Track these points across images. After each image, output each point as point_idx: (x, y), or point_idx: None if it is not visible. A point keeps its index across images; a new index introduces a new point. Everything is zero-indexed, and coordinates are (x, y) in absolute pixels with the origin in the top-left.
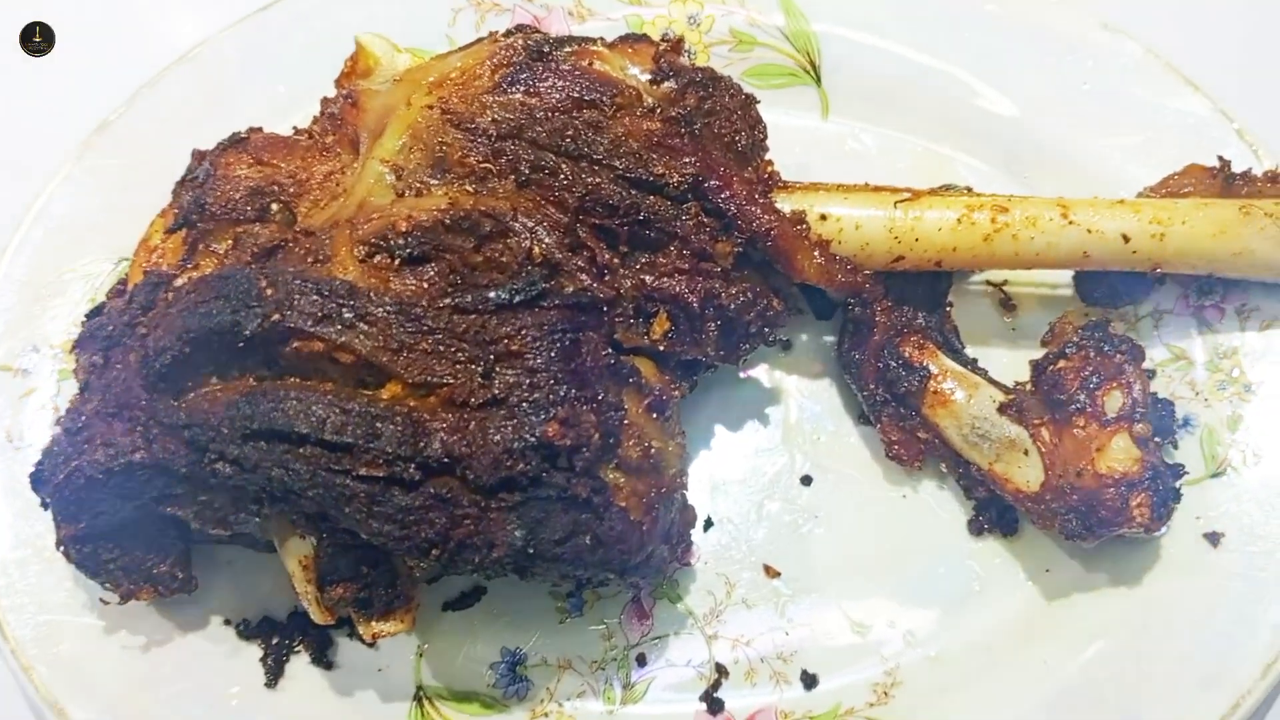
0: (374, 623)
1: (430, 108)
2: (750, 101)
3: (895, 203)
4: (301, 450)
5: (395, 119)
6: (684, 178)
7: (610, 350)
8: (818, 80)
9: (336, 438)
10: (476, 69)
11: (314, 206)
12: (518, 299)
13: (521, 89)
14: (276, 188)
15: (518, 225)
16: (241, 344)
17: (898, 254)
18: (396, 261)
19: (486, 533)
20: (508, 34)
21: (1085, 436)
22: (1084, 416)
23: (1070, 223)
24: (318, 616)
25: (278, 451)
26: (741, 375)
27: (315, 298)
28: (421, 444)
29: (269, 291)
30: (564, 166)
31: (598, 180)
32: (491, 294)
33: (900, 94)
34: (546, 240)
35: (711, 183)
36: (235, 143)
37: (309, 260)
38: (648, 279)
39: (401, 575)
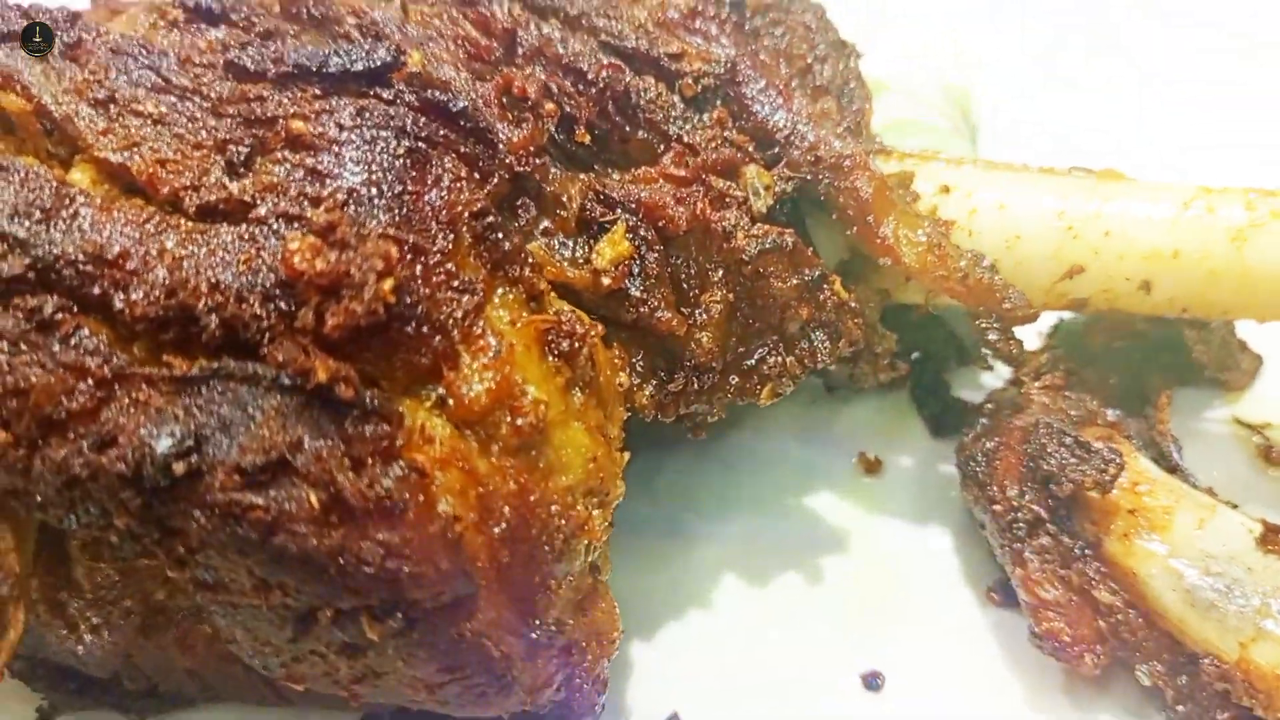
0: None
1: None
2: (849, 50)
3: (1071, 169)
4: None
5: None
6: (711, 65)
7: (494, 217)
8: None
9: None
10: None
11: None
12: (335, 67)
13: None
14: None
15: (396, 34)
16: None
17: (1073, 263)
18: (175, 15)
19: (112, 414)
20: None
21: None
22: None
23: None
24: None
25: None
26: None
27: (11, 18)
28: (51, 227)
29: None
30: (514, 10)
31: (563, 35)
32: (297, 53)
33: None
34: (444, 57)
35: (757, 87)
36: None
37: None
38: (612, 178)
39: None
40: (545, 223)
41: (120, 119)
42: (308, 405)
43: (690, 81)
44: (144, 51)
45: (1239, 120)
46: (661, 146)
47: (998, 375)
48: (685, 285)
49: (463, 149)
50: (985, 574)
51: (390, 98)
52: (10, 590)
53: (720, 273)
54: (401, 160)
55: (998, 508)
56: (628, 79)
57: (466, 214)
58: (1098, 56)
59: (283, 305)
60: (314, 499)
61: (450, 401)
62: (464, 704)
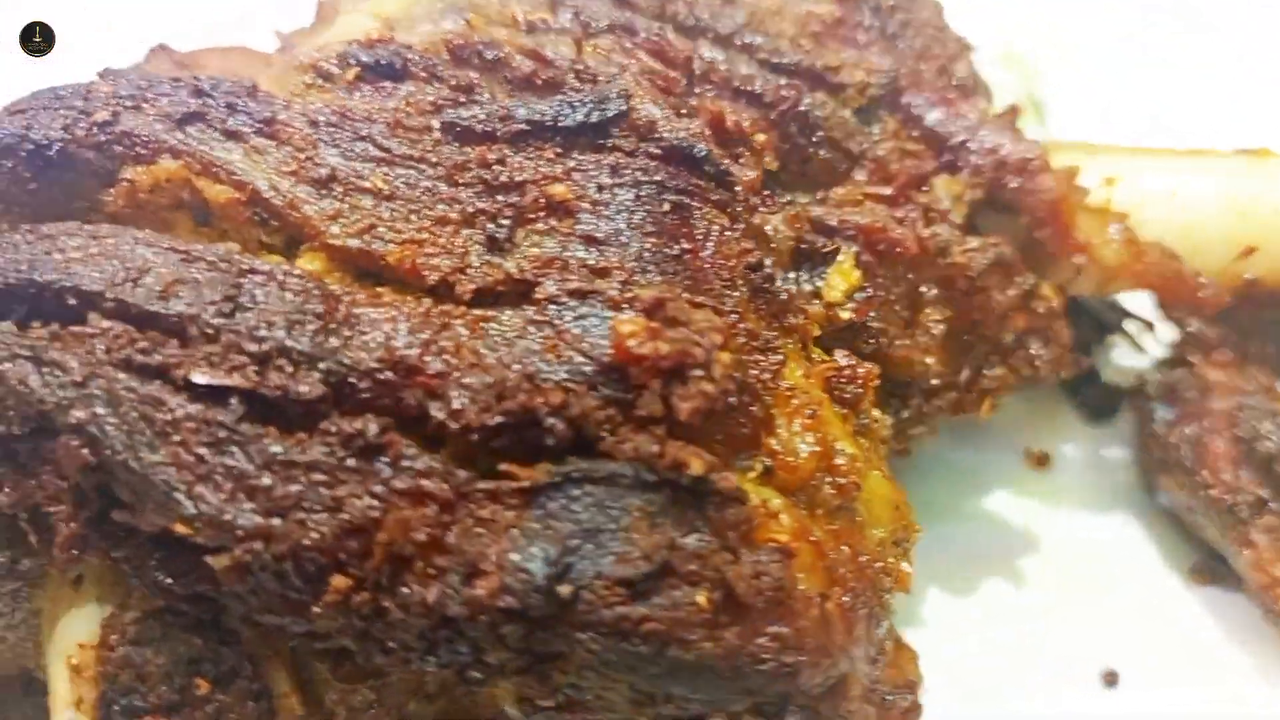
0: None
1: None
2: (964, 47)
3: (1236, 151)
4: (78, 328)
5: None
6: (876, 76)
7: (769, 268)
8: None
9: (158, 303)
10: None
11: None
12: (570, 121)
13: None
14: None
15: (580, 65)
16: (34, 180)
17: (1246, 244)
18: (352, 74)
19: (471, 543)
20: None
21: None
22: None
23: None
24: None
25: (34, 335)
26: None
27: (181, 96)
28: (340, 339)
29: (105, 89)
30: (667, 34)
31: (723, 56)
32: (521, 110)
33: None
34: (640, 94)
35: (921, 93)
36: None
37: None
38: (814, 209)
39: (282, 710)
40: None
41: (348, 199)
42: (673, 500)
43: (854, 93)
44: (346, 119)
45: None
46: (844, 165)
47: (1127, 355)
48: (898, 307)
49: (713, 197)
50: (1182, 554)
51: (630, 149)
52: None
53: (933, 290)
54: (670, 217)
55: (1213, 492)
56: (804, 99)
57: (741, 266)
58: (1187, 35)
59: (611, 392)
60: (703, 600)
61: (778, 471)
62: None
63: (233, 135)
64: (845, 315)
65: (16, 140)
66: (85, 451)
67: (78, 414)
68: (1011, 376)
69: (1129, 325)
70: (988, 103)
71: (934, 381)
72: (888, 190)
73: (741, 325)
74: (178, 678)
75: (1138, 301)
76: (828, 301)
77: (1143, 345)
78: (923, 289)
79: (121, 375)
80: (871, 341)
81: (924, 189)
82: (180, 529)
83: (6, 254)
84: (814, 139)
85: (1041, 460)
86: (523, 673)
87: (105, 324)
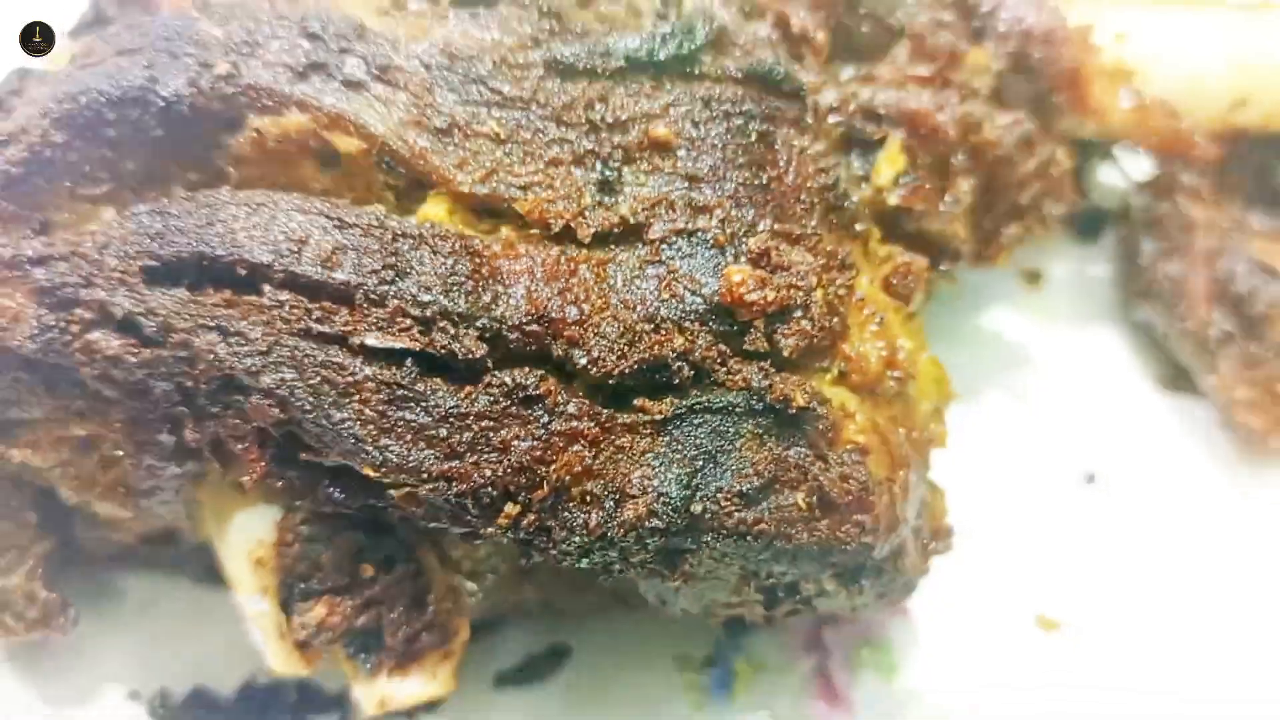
0: (384, 677)
1: None
2: None
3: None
4: (253, 298)
5: None
6: None
7: (842, 186)
8: None
9: (323, 273)
10: None
11: None
12: (665, 55)
13: None
14: None
15: None
16: (160, 129)
17: (1238, 95)
18: (445, 1)
19: (614, 469)
20: None
21: None
22: None
23: None
24: (282, 662)
25: (210, 302)
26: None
27: (292, 38)
28: (489, 295)
29: (216, 34)
30: None
31: None
32: (622, 44)
33: None
34: None
35: None
36: None
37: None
38: (862, 92)
39: (435, 585)
40: (817, 146)
41: (468, 145)
42: (776, 422)
43: None
44: (455, 60)
45: None
46: (885, 40)
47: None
48: (932, 182)
49: (790, 114)
50: (1153, 365)
51: (718, 75)
52: (456, 606)
53: (961, 159)
54: (757, 146)
55: (1188, 325)
56: None
57: (818, 187)
58: None
59: (720, 327)
60: (803, 502)
61: (851, 374)
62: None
63: (354, 85)
64: (893, 201)
65: (143, 92)
66: (276, 411)
67: (267, 380)
68: (1028, 232)
69: (1115, 149)
70: None
71: (962, 247)
72: (927, 72)
73: (822, 247)
74: (346, 565)
75: None
76: (876, 186)
77: (1126, 169)
78: (951, 160)
79: (302, 343)
80: (915, 222)
81: (960, 64)
82: (368, 472)
83: (172, 226)
84: (855, 17)
85: (1034, 278)
86: (655, 564)
87: (281, 295)
